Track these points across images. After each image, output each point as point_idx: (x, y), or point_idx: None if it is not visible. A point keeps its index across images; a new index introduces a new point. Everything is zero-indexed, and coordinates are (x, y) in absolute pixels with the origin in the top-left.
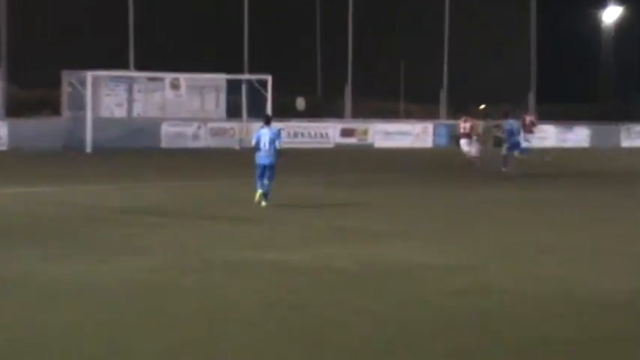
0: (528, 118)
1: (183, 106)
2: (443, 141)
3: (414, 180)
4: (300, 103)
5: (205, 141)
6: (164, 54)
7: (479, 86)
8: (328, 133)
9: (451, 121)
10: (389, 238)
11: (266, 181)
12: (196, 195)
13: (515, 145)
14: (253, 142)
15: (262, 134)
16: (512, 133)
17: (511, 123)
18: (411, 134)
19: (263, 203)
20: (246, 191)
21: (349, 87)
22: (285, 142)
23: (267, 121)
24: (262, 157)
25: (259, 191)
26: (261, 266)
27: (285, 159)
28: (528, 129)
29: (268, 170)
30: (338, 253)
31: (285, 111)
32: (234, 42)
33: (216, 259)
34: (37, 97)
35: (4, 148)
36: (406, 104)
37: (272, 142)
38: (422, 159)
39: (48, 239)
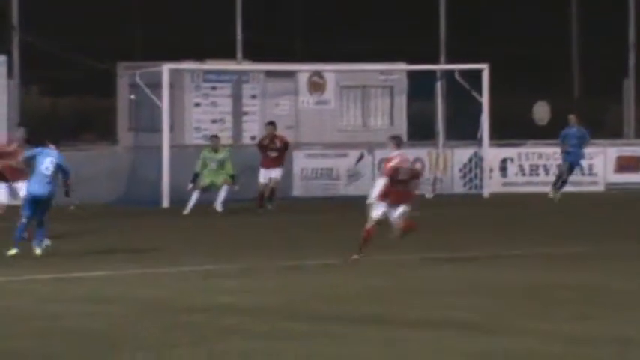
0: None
1: (332, 121)
2: None
3: None
4: (542, 111)
5: (370, 182)
6: (291, 30)
7: None
8: (594, 165)
9: None
10: None
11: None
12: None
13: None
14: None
15: (44, 154)
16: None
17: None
18: None
19: (12, 252)
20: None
21: (631, 81)
22: (514, 181)
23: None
24: (39, 185)
25: (14, 250)
26: None
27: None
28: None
29: (43, 206)
30: None
31: (512, 126)
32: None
33: None
34: (70, 107)
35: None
36: None
37: (59, 167)
38: None
39: None
